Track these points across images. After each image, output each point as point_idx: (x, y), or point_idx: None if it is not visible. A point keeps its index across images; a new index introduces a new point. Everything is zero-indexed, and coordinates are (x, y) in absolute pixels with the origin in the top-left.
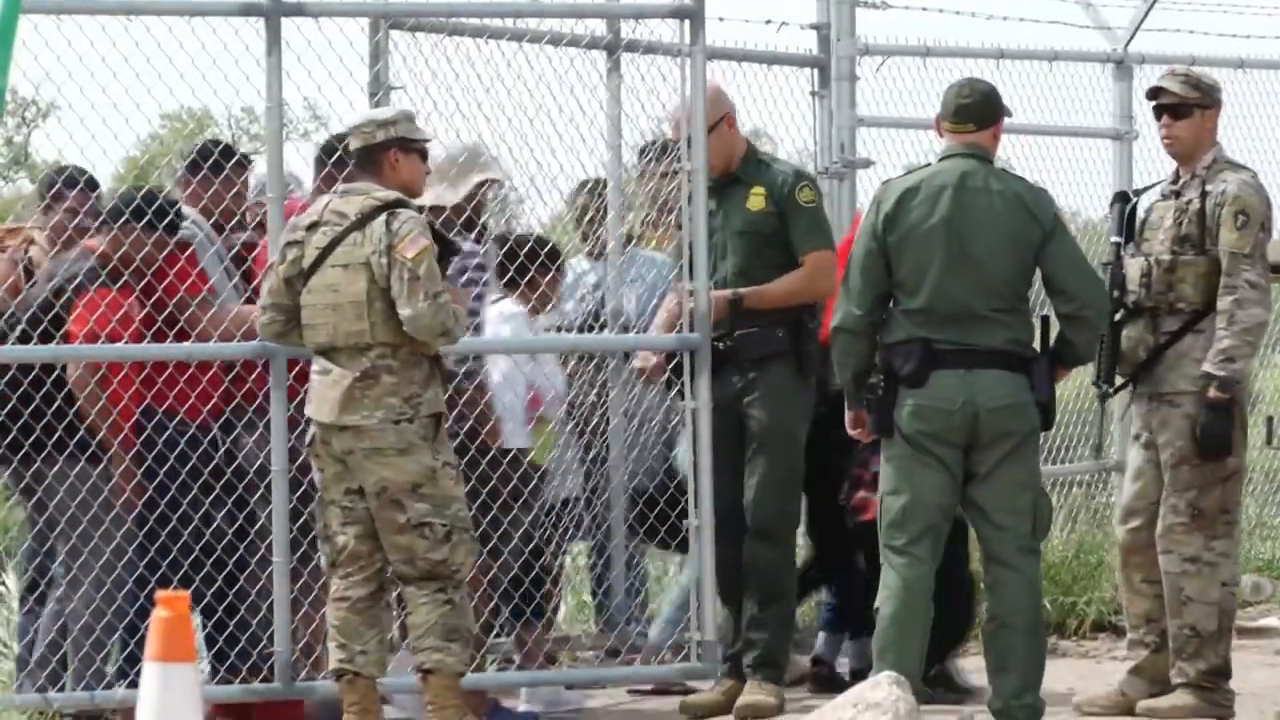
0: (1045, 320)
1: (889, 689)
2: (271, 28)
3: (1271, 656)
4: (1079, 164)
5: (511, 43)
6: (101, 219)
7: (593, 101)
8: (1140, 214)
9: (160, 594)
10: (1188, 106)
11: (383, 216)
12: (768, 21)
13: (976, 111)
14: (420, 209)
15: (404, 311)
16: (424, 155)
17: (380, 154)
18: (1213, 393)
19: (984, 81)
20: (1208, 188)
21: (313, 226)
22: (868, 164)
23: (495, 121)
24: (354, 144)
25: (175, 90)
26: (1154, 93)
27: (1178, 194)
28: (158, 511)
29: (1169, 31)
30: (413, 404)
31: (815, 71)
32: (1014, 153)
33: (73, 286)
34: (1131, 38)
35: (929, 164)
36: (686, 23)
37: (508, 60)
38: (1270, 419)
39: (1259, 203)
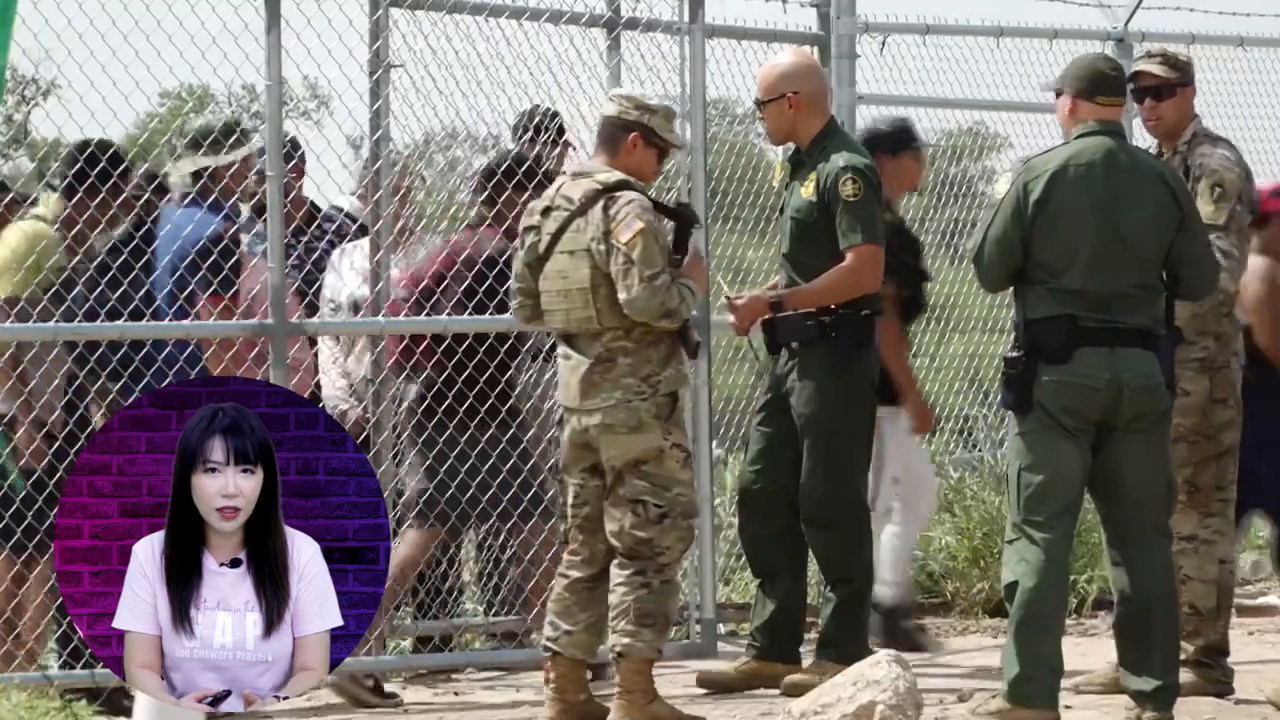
0: (1170, 300)
1: (889, 666)
2: (271, 5)
3: (1271, 634)
4: None
5: (511, 20)
6: None
7: (592, 80)
8: None
9: None
10: (1170, 87)
11: (602, 202)
12: None
13: (1122, 85)
14: (642, 190)
15: (621, 296)
16: (663, 155)
17: (624, 132)
18: None
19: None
20: (1189, 162)
21: (546, 211)
22: None
23: (495, 99)
24: (607, 110)
25: (175, 68)
26: (1134, 76)
27: None
28: None
29: (1168, 9)
30: (650, 383)
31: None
32: (1014, 130)
33: None
34: (1131, 15)
35: (1066, 142)
36: (686, 0)
37: (507, 38)
38: None
39: (1235, 177)
